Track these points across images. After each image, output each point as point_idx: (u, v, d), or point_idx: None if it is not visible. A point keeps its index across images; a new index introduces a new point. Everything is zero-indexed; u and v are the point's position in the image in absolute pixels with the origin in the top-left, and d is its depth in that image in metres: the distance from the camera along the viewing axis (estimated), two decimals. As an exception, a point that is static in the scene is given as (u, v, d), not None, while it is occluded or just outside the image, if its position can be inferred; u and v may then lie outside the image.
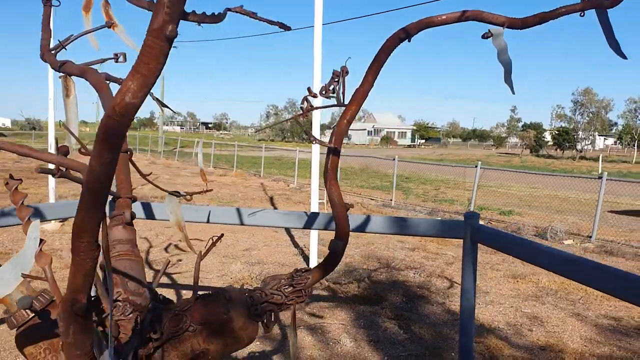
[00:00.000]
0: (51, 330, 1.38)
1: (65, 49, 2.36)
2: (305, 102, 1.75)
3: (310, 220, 2.93)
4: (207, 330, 1.53)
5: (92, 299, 1.52)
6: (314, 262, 5.96)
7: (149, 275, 5.23)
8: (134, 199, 1.85)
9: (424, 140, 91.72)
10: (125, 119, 0.79)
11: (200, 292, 1.60)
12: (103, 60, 2.35)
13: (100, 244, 0.85)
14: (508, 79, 1.55)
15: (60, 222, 8.39)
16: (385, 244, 7.77)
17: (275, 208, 11.50)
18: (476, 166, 11.94)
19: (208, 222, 3.07)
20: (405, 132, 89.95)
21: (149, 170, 19.67)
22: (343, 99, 1.75)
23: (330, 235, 1.70)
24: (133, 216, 1.80)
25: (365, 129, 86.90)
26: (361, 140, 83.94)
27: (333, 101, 1.74)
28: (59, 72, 2.27)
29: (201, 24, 0.82)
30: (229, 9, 0.90)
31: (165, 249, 7.05)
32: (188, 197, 2.26)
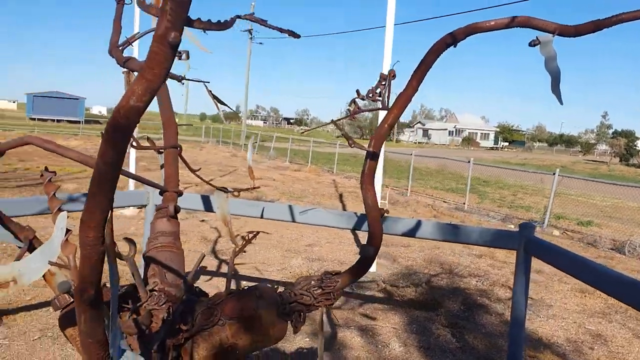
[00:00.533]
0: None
1: (132, 45, 2.48)
2: (353, 105, 1.75)
3: (360, 222, 2.92)
4: (236, 325, 1.57)
5: (124, 288, 1.59)
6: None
7: (212, 265, 5.41)
8: (180, 193, 1.91)
9: (507, 143, 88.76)
10: (129, 121, 0.82)
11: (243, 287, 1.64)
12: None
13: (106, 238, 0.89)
14: (556, 89, 1.49)
15: (138, 208, 8.81)
16: (451, 248, 7.60)
17: (344, 205, 11.53)
18: (554, 173, 11.42)
19: (262, 217, 3.13)
20: (488, 133, 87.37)
21: (231, 162, 20.33)
22: (387, 103, 1.73)
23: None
24: (177, 209, 1.86)
25: (446, 129, 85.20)
26: (441, 141, 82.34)
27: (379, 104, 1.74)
28: (123, 67, 2.39)
29: (206, 31, 0.84)
30: (239, 16, 0.92)
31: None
32: (235, 193, 2.32)
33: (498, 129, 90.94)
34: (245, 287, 1.67)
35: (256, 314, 1.59)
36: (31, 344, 3.52)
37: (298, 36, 1.31)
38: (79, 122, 50.29)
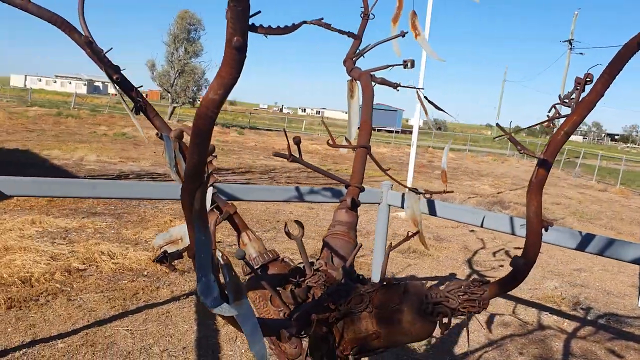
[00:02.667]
0: (268, 282, 1.73)
1: (364, 57, 2.75)
2: (554, 109, 1.67)
3: (605, 247, 2.61)
4: (379, 315, 1.65)
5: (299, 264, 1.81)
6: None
7: (463, 274, 5.37)
8: (362, 189, 2.06)
9: None
10: (209, 111, 1.02)
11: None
12: (388, 67, 2.65)
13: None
14: None
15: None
16: None
17: None
18: None
19: (481, 226, 3.06)
20: None
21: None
22: (573, 108, 1.61)
23: None
24: (356, 203, 2.01)
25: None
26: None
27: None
28: (349, 75, 2.68)
29: (267, 36, 0.97)
30: (305, 22, 1.01)
31: (493, 254, 7.04)
32: (427, 195, 2.37)
33: None
34: (395, 282, 1.73)
35: (397, 308, 1.64)
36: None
37: (354, 35, 1.31)
38: (396, 132, 52.76)
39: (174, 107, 33.27)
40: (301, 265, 1.87)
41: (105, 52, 1.69)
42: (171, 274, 4.64)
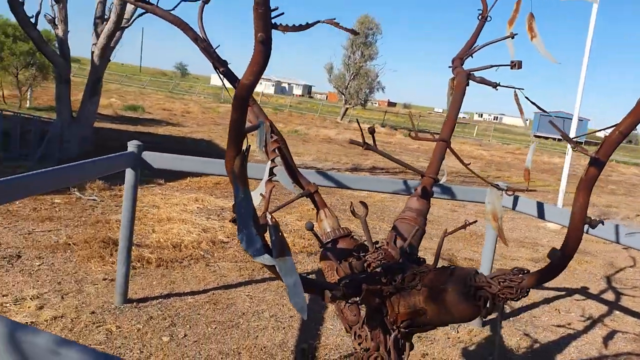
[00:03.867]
0: (335, 254, 1.96)
1: (472, 57, 2.86)
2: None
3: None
4: (427, 293, 1.79)
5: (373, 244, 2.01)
6: None
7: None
8: (437, 180, 2.18)
9: None
10: (243, 92, 1.28)
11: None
12: (492, 67, 2.75)
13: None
14: None
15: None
16: None
17: None
18: None
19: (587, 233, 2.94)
20: None
21: None
22: None
23: None
24: (428, 192, 2.14)
25: None
26: None
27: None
28: (453, 74, 2.82)
29: (285, 32, 1.18)
30: (319, 21, 1.18)
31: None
32: (509, 192, 2.41)
33: None
34: (446, 266, 1.84)
35: (443, 288, 1.76)
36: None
37: (357, 33, 1.42)
38: (579, 143, 49.11)
39: (347, 109, 34.37)
40: (367, 243, 2.06)
41: (215, 48, 2.03)
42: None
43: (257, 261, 1.44)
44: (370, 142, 2.10)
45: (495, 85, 2.70)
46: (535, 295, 4.75)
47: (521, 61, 2.61)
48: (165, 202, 6.55)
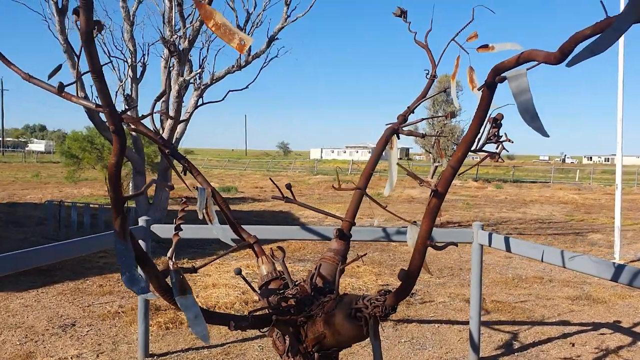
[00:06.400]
0: (265, 293, 2.33)
1: (413, 112, 3.20)
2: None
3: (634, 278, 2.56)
4: (324, 318, 2.12)
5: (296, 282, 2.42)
6: None
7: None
8: (353, 224, 2.52)
9: None
10: (112, 169, 1.73)
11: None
12: (424, 119, 3.12)
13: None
14: (534, 121, 1.46)
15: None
16: None
17: None
18: None
19: (542, 261, 3.11)
20: None
21: None
22: None
23: None
24: (345, 234, 2.48)
25: None
26: None
27: None
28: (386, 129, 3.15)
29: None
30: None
31: None
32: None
33: None
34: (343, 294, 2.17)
35: (332, 313, 2.09)
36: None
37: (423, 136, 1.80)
38: None
39: (436, 167, 34.30)
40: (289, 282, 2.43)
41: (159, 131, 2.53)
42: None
43: (142, 297, 1.88)
44: (290, 196, 2.49)
45: (422, 136, 3.05)
46: (552, 329, 4.74)
47: (454, 111, 2.97)
48: (218, 270, 7.11)
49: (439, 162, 34.76)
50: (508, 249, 3.38)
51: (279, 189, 2.50)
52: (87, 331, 4.59)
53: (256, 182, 26.50)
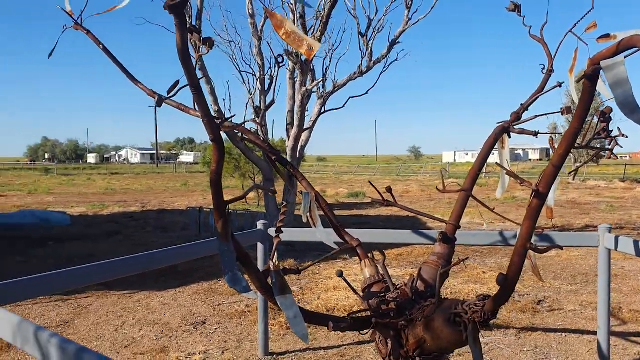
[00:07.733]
0: (367, 296, 2.35)
1: (527, 109, 3.09)
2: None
3: None
4: (424, 323, 2.09)
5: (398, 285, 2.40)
6: None
7: None
8: (458, 227, 2.44)
9: None
10: (213, 176, 1.87)
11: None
12: (537, 117, 2.98)
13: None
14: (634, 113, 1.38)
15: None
16: None
17: None
18: None
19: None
20: None
21: None
22: None
23: None
24: (449, 238, 2.41)
25: None
26: None
27: None
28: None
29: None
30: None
31: None
32: (539, 230, 2.56)
33: None
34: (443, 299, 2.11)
35: (432, 317, 2.05)
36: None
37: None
38: None
39: (577, 167, 32.46)
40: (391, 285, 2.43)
41: (264, 139, 2.69)
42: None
43: (245, 296, 1.99)
44: (391, 198, 2.49)
45: (535, 134, 2.89)
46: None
47: (570, 107, 2.79)
48: (341, 274, 7.24)
49: (579, 161, 32.34)
50: (638, 254, 3.05)
51: (379, 192, 2.50)
52: (216, 329, 4.90)
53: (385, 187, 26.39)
